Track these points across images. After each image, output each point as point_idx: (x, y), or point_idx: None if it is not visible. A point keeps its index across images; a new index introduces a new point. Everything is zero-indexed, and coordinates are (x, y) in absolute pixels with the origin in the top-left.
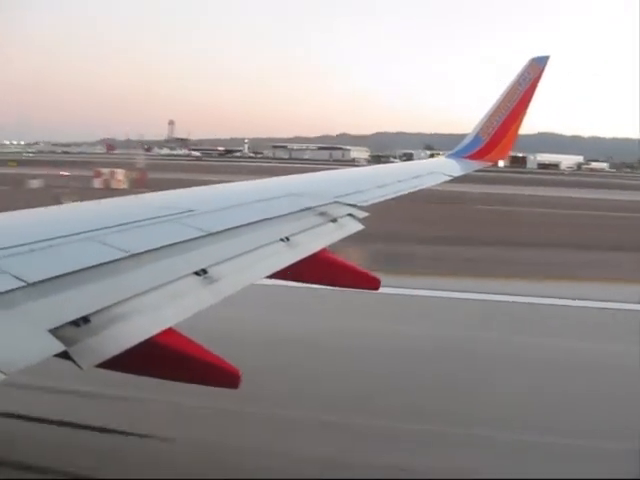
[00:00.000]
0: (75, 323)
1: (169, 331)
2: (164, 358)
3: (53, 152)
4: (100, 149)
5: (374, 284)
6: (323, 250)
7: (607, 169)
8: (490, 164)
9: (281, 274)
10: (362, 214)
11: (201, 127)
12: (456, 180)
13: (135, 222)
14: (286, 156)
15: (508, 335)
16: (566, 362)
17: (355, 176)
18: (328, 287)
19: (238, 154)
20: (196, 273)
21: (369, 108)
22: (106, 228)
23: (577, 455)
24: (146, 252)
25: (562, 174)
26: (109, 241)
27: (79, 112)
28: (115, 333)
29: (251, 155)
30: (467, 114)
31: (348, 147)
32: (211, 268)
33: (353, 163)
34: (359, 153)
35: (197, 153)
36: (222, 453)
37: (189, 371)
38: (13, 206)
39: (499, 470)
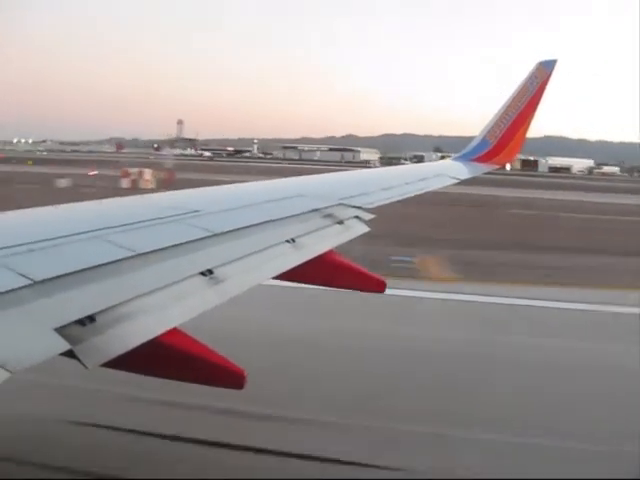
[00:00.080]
0: (81, 322)
1: (174, 331)
2: (169, 358)
3: (63, 150)
4: (108, 148)
5: (380, 286)
6: (330, 252)
7: (618, 173)
8: (497, 167)
9: (287, 275)
10: (368, 216)
11: (208, 127)
12: (473, 182)
13: (141, 222)
14: (296, 157)
15: (508, 337)
16: (566, 364)
17: (361, 178)
18: (334, 289)
19: (247, 154)
20: (202, 273)
21: (374, 109)
22: (113, 227)
23: (577, 455)
24: (152, 252)
25: (581, 178)
26: (115, 240)
27: (84, 111)
28: (120, 332)
29: (260, 156)
30: (475, 116)
31: (358, 148)
32: (217, 269)
33: (367, 165)
34: (369, 155)
35: (208, 153)
36: (222, 453)
37: (194, 371)
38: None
39: (499, 470)
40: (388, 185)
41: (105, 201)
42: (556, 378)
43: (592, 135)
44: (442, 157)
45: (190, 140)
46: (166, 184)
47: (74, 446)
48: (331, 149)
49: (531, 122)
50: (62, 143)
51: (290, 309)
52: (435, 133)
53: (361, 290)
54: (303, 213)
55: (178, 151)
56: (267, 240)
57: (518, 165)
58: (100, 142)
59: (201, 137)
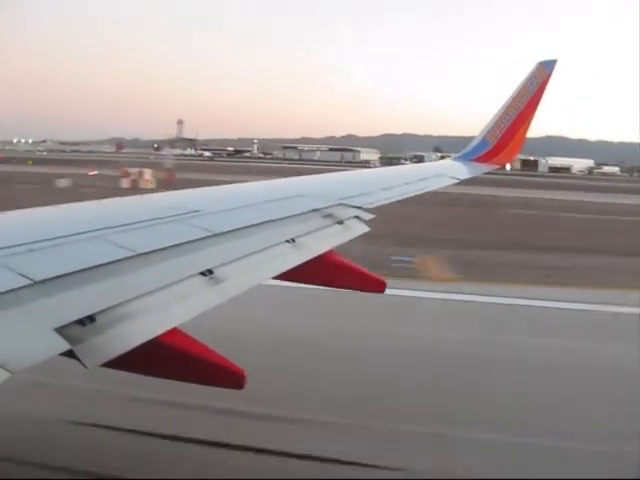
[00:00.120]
0: (81, 322)
1: (174, 331)
2: (169, 358)
3: (62, 151)
4: (108, 148)
5: (380, 286)
6: (330, 252)
7: (618, 173)
8: (497, 167)
9: (287, 275)
10: (368, 216)
11: (208, 127)
12: (473, 182)
13: (141, 222)
14: (296, 157)
15: (508, 337)
16: (566, 364)
17: (361, 178)
18: (334, 289)
19: (248, 154)
20: (202, 273)
21: (374, 109)
22: (113, 228)
23: (577, 456)
24: (152, 252)
25: (581, 178)
26: (115, 240)
27: (84, 111)
28: (120, 332)
29: (260, 156)
30: (475, 116)
31: (358, 148)
32: (217, 269)
33: (367, 165)
34: (369, 155)
35: (208, 153)
36: (222, 453)
37: (194, 371)
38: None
39: (499, 470)
40: (388, 185)
41: (105, 201)
42: (556, 378)
43: (592, 135)
44: (442, 157)
45: (190, 140)
46: (166, 184)
47: (74, 446)
48: (331, 149)
49: (531, 122)
50: (62, 143)
51: (290, 309)
52: (435, 133)
53: (361, 290)
54: (303, 213)
55: (178, 151)
56: (267, 240)
57: (518, 165)
58: (100, 142)
59: (201, 137)
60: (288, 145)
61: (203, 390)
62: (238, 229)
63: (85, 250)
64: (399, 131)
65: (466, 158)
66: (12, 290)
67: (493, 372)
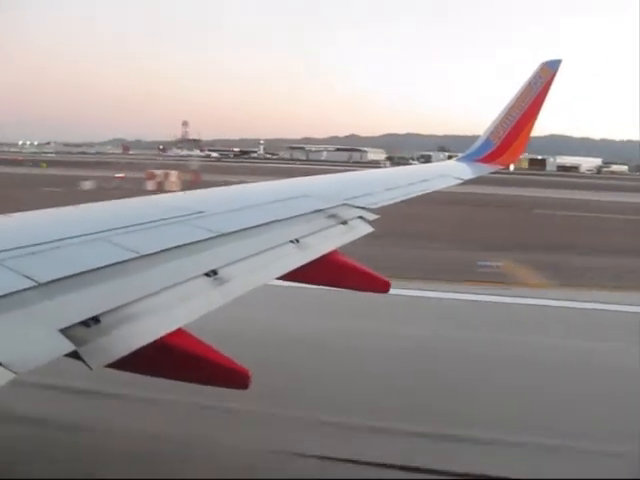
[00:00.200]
0: (85, 323)
1: (179, 332)
2: (174, 359)
3: (69, 152)
4: (111, 149)
5: (384, 286)
6: (334, 252)
7: (627, 172)
8: (501, 167)
9: (291, 276)
10: (372, 216)
11: (209, 128)
12: (494, 182)
13: (145, 223)
14: (303, 157)
15: (510, 336)
16: (567, 363)
17: (365, 179)
18: (338, 289)
19: (254, 155)
20: (206, 274)
21: (374, 109)
22: (117, 229)
23: (577, 455)
24: (156, 253)
25: (591, 177)
26: (119, 242)
27: (84, 112)
28: (125, 333)
29: (267, 156)
30: (481, 115)
31: (366, 149)
32: (221, 269)
33: (377, 165)
34: (375, 155)
35: (215, 154)
36: (223, 453)
37: (198, 372)
38: None
39: (499, 470)
40: (392, 185)
41: (110, 202)
42: (557, 379)
43: (596, 134)
44: (449, 157)
45: (194, 141)
46: (192, 186)
47: (74, 446)
48: (338, 149)
49: (535, 122)
50: (66, 145)
51: (294, 309)
52: (439, 133)
53: (365, 290)
54: (307, 213)
55: (185, 152)
56: (271, 240)
57: (525, 164)
58: (103, 143)
59: (203, 138)
60: (295, 145)
61: (205, 390)
62: (242, 230)
63: (89, 251)
64: (402, 131)
65: (470, 158)
66: (17, 292)
67: (494, 372)
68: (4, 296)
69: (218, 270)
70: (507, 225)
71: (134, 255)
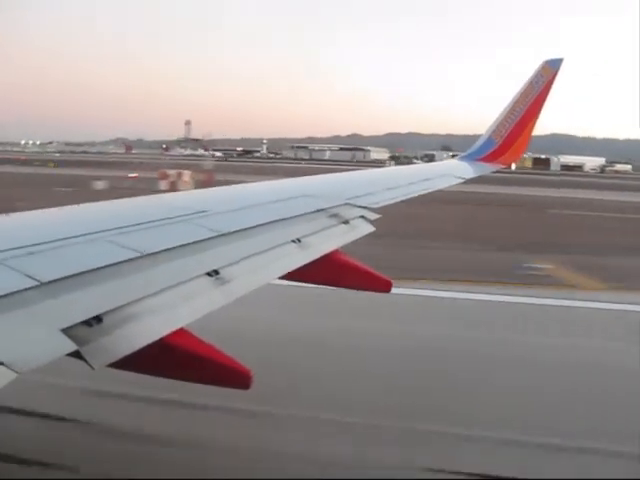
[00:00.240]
0: (87, 323)
1: (181, 331)
2: (175, 358)
3: (73, 152)
4: (113, 148)
5: (386, 286)
6: (336, 251)
7: (631, 171)
8: (503, 167)
9: (293, 275)
10: (374, 216)
11: (210, 127)
12: (484, 181)
13: (148, 222)
14: (307, 157)
15: (511, 335)
16: (568, 362)
17: (366, 178)
18: (340, 289)
19: (258, 154)
20: (208, 274)
21: (375, 109)
22: (119, 228)
23: (577, 455)
24: (158, 252)
25: (595, 176)
26: (122, 241)
27: (85, 111)
28: (127, 333)
29: (270, 156)
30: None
31: (369, 148)
32: (223, 269)
33: (381, 164)
34: (378, 154)
35: (219, 154)
36: (222, 453)
37: (200, 371)
38: None
39: (499, 470)
40: (393, 185)
41: (113, 201)
42: (557, 378)
43: (598, 133)
44: (453, 156)
45: (197, 140)
46: (206, 186)
47: (75, 446)
48: (342, 149)
49: (536, 121)
50: (68, 144)
51: (296, 309)
52: (442, 132)
53: (367, 290)
54: (309, 213)
55: (189, 151)
56: (273, 240)
57: (529, 164)
58: (105, 143)
59: (205, 137)
60: (298, 145)
61: (205, 390)
62: (244, 229)
63: (91, 251)
64: (403, 130)
65: (471, 158)
66: (19, 291)
67: (495, 371)
68: (6, 295)
69: (220, 270)
70: (531, 225)
71: (136, 254)
